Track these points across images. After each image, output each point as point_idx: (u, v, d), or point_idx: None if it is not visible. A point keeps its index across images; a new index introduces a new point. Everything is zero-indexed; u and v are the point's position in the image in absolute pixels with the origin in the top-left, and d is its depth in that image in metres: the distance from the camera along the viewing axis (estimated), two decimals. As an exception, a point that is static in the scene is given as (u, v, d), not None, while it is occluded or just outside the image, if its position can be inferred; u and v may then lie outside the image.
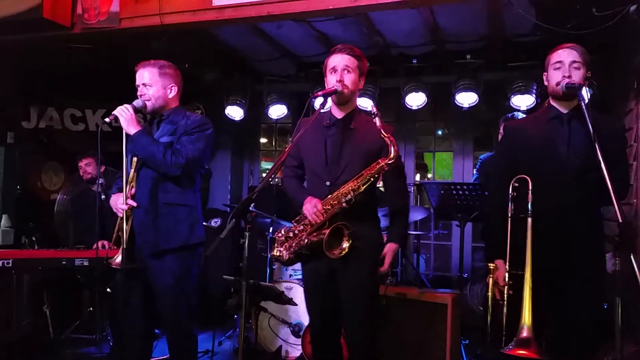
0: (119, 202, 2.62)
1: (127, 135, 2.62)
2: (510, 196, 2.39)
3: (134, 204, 2.63)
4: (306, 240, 2.38)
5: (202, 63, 5.24)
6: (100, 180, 4.06)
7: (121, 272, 2.60)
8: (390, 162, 2.34)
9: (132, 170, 2.67)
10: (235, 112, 5.41)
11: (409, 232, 4.67)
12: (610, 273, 2.19)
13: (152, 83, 2.73)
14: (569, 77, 2.32)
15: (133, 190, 2.66)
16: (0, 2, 3.82)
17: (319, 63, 5.09)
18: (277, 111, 5.43)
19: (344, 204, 2.30)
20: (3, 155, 5.63)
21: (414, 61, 4.79)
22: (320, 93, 2.42)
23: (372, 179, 2.36)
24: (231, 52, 5.06)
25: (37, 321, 4.05)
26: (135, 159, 2.68)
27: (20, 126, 5.44)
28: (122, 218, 2.61)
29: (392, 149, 2.34)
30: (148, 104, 2.73)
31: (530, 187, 2.31)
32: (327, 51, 4.83)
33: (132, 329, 2.78)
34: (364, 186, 2.33)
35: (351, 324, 2.47)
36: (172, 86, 2.79)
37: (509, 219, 2.37)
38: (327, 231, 2.28)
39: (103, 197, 4.00)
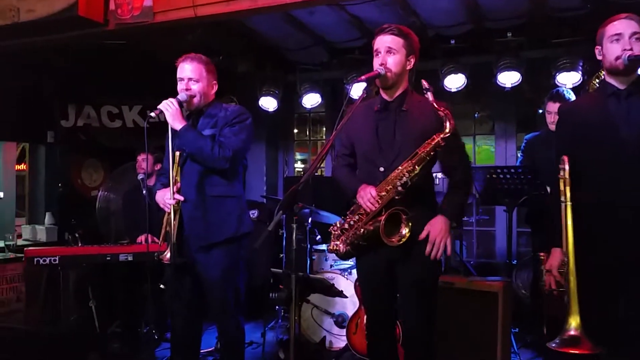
0: (166, 197, 2.62)
1: (173, 130, 2.60)
2: (561, 179, 2.23)
3: (182, 198, 2.63)
4: (362, 230, 2.27)
5: (235, 55, 5.20)
6: (140, 176, 4.09)
7: (171, 267, 2.59)
8: (446, 136, 2.21)
9: (176, 165, 2.66)
10: (269, 103, 5.36)
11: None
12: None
13: (200, 79, 2.71)
14: (631, 49, 2.16)
15: (178, 185, 2.65)
16: (37, 3, 3.86)
17: (352, 49, 5.05)
18: (311, 100, 5.36)
19: (400, 188, 2.18)
20: (44, 155, 5.76)
21: (452, 42, 4.63)
22: (363, 77, 2.33)
23: (427, 158, 2.22)
24: (263, 42, 5.01)
25: (83, 316, 4.12)
26: (178, 153, 2.67)
27: (60, 125, 5.52)
28: (169, 213, 2.61)
29: (448, 123, 2.21)
30: (194, 100, 2.71)
31: (567, 170, 2.18)
32: (361, 36, 4.84)
33: (182, 323, 2.79)
34: (419, 167, 2.20)
35: (410, 317, 2.38)
36: (214, 83, 2.81)
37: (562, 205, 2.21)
38: (383, 218, 2.18)
39: (145, 192, 4.03)
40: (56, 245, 4.77)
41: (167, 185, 2.69)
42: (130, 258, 3.64)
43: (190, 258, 2.70)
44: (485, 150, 5.98)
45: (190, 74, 2.70)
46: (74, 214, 5.37)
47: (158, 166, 4.22)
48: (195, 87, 2.70)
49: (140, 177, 4.08)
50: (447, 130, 2.21)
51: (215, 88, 2.82)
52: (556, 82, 4.31)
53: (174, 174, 2.63)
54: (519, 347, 3.75)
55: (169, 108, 2.59)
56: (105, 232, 4.94)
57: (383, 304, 2.44)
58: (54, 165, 5.71)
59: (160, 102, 2.66)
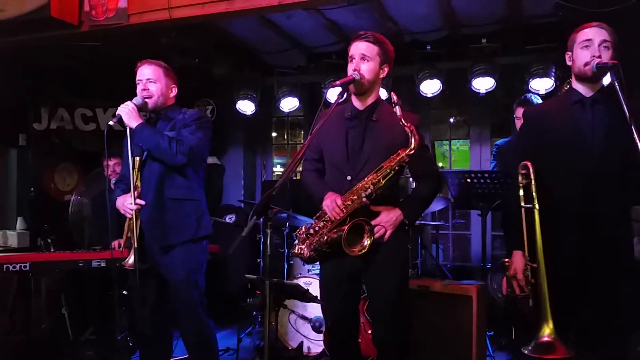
0: (127, 203, 2.64)
1: (131, 131, 2.64)
2: (520, 185, 2.27)
3: (143, 203, 2.65)
4: (326, 237, 2.29)
5: (211, 58, 5.16)
6: (114, 179, 4.02)
7: (135, 272, 2.59)
8: (410, 152, 2.22)
9: (136, 170, 2.68)
10: (246, 107, 5.34)
11: (421, 217, 4.51)
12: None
13: (157, 80, 2.78)
14: (599, 57, 2.20)
15: (139, 190, 2.67)
16: (8, 3, 3.78)
17: (330, 53, 5.06)
18: (289, 104, 5.35)
19: (364, 199, 2.21)
20: (16, 158, 5.63)
21: (428, 47, 4.68)
22: (338, 82, 2.33)
23: (392, 172, 2.25)
24: (241, 46, 4.99)
25: (55, 323, 4.04)
26: (137, 158, 2.69)
27: (32, 128, 5.41)
28: (131, 219, 2.64)
29: (413, 139, 2.22)
30: (150, 101, 2.75)
31: (532, 175, 2.22)
32: (338, 40, 4.85)
33: (150, 329, 2.78)
34: (385, 180, 2.23)
35: (380, 325, 2.38)
36: (173, 87, 2.86)
37: (522, 209, 2.25)
38: (346, 227, 2.19)
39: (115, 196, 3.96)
40: (28, 251, 4.66)
41: (126, 191, 2.72)
42: (103, 264, 3.58)
43: (152, 261, 2.72)
44: (462, 152, 6.06)
45: (149, 75, 2.76)
46: (46, 219, 5.25)
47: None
48: (153, 88, 2.76)
49: (113, 181, 4.02)
50: (412, 147, 2.22)
51: (175, 92, 2.87)
52: (529, 87, 4.38)
53: (134, 179, 2.65)
54: (494, 350, 3.78)
55: (124, 108, 2.63)
56: (78, 238, 4.84)
57: (344, 308, 2.42)
58: (26, 168, 5.59)
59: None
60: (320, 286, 2.54)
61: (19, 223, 5.25)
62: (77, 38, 4.12)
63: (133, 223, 2.61)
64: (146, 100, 2.73)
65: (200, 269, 2.78)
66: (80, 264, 3.58)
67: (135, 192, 2.62)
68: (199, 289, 2.75)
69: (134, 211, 2.61)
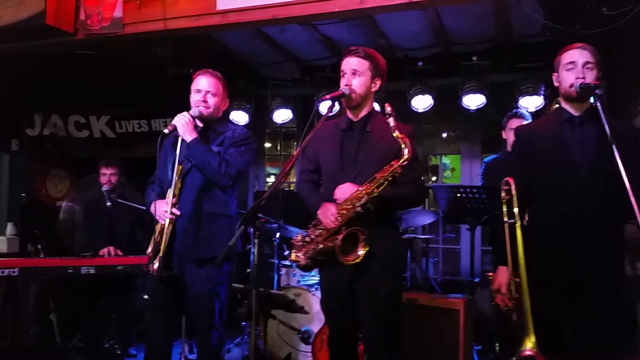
0: (162, 209, 2.65)
1: (182, 141, 2.66)
2: (503, 200, 2.33)
3: (179, 214, 2.66)
4: (321, 245, 2.32)
5: (205, 68, 5.20)
6: (105, 188, 4.03)
7: (156, 278, 2.59)
8: (404, 163, 2.24)
9: (177, 177, 2.67)
10: (240, 117, 5.38)
11: (411, 231, 4.54)
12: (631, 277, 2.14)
13: (216, 93, 2.80)
14: (583, 77, 2.26)
15: (175, 199, 2.67)
16: (4, 10, 3.81)
17: (323, 67, 5.12)
18: (282, 116, 5.40)
19: (358, 209, 2.23)
20: (8, 163, 5.64)
21: (420, 64, 4.75)
22: (328, 96, 2.38)
23: (385, 182, 2.26)
24: (235, 57, 5.04)
25: (43, 330, 4.02)
26: (180, 166, 2.69)
27: (25, 133, 5.42)
28: (162, 225, 2.64)
29: (406, 150, 2.24)
30: (205, 111, 2.77)
31: (514, 191, 2.28)
32: (332, 55, 4.91)
33: (160, 334, 2.78)
34: (379, 190, 2.24)
35: (370, 336, 2.39)
36: (227, 99, 2.91)
37: (505, 225, 2.31)
38: (340, 237, 2.22)
39: (109, 204, 3.98)
40: (18, 257, 4.64)
41: (161, 195, 2.74)
42: (92, 271, 3.57)
43: (178, 270, 2.71)
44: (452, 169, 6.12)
45: (209, 87, 2.78)
46: (37, 224, 5.24)
47: (123, 178, 4.18)
48: (212, 101, 2.78)
49: (104, 189, 4.03)
50: (406, 157, 2.24)
51: (227, 104, 2.92)
52: (519, 105, 4.45)
53: (174, 188, 2.66)
54: (480, 364, 3.80)
55: (181, 120, 2.66)
56: (68, 244, 4.84)
57: (344, 319, 2.44)
58: (18, 174, 5.60)
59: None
60: (322, 297, 2.58)
61: (9, 228, 5.22)
62: (72, 46, 4.15)
63: (165, 230, 2.61)
64: (202, 111, 2.75)
65: (224, 281, 2.80)
66: (70, 270, 3.57)
67: (173, 200, 2.64)
68: (221, 301, 2.77)
69: (167, 219, 2.62)
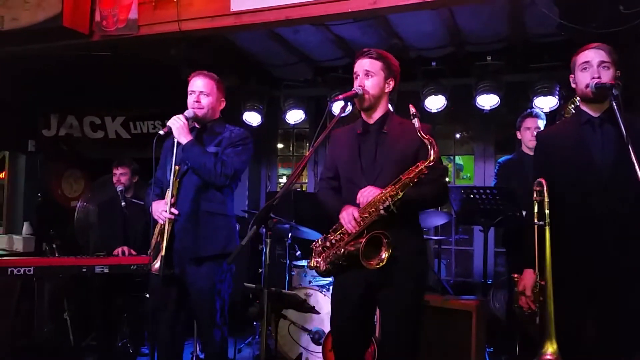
0: (161, 209, 2.69)
1: (177, 144, 2.69)
2: (535, 201, 2.30)
3: (177, 213, 2.71)
4: (343, 250, 2.26)
5: (219, 69, 5.22)
6: (120, 188, 4.07)
7: (159, 277, 2.63)
8: (430, 164, 2.19)
9: (174, 178, 2.72)
10: (252, 118, 5.39)
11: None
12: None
13: (210, 93, 2.83)
14: (599, 77, 2.24)
15: (173, 199, 2.71)
16: (21, 12, 3.86)
17: (336, 67, 5.12)
18: (295, 116, 5.41)
19: (382, 212, 2.17)
20: (24, 163, 5.72)
21: (433, 64, 4.72)
22: (341, 97, 2.36)
23: (410, 184, 2.20)
24: (248, 58, 5.06)
25: (57, 328, 4.06)
26: (177, 167, 2.73)
27: (41, 134, 5.49)
28: (162, 225, 2.69)
29: (432, 150, 2.19)
30: (199, 112, 2.80)
31: (546, 193, 2.26)
32: (344, 55, 4.91)
33: (168, 332, 2.82)
34: (402, 192, 2.18)
35: (391, 342, 2.34)
36: (222, 100, 2.93)
37: (535, 227, 2.29)
38: (364, 240, 2.16)
39: (123, 204, 4.02)
40: (33, 256, 4.70)
41: (160, 196, 2.80)
42: (106, 270, 3.59)
43: (178, 269, 2.76)
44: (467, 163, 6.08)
45: (203, 87, 2.81)
46: (52, 224, 5.32)
47: (136, 179, 4.22)
48: (205, 101, 2.81)
49: (119, 189, 4.07)
50: (432, 159, 2.19)
51: (223, 105, 2.93)
52: (534, 105, 4.40)
53: (172, 188, 2.70)
54: (493, 367, 3.77)
55: (176, 123, 2.70)
56: (83, 244, 4.89)
57: (354, 325, 2.39)
58: (34, 174, 5.68)
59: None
60: (333, 299, 2.52)
61: (25, 228, 5.31)
62: (88, 47, 4.19)
63: (165, 230, 2.66)
64: (196, 112, 2.78)
65: (225, 279, 2.82)
66: (84, 270, 3.59)
67: (171, 200, 2.68)
68: (222, 299, 2.81)
69: (167, 219, 2.66)
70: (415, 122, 2.25)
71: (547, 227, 2.24)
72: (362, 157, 2.39)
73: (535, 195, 2.31)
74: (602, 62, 2.25)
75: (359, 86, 2.37)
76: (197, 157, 2.69)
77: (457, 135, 5.91)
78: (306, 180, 6.37)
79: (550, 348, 2.12)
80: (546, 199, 2.26)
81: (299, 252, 4.58)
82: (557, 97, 4.35)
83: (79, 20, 3.87)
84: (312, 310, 3.26)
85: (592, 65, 2.25)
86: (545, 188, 2.27)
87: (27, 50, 4.17)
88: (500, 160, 4.14)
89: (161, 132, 2.70)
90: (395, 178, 2.22)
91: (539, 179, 2.32)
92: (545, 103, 4.40)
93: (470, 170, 5.85)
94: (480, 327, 3.25)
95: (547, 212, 2.25)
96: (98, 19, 3.90)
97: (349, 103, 2.41)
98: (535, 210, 2.29)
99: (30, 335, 3.99)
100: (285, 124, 5.77)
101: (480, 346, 3.27)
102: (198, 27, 3.68)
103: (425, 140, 2.22)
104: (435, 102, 4.73)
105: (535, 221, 2.29)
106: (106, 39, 3.93)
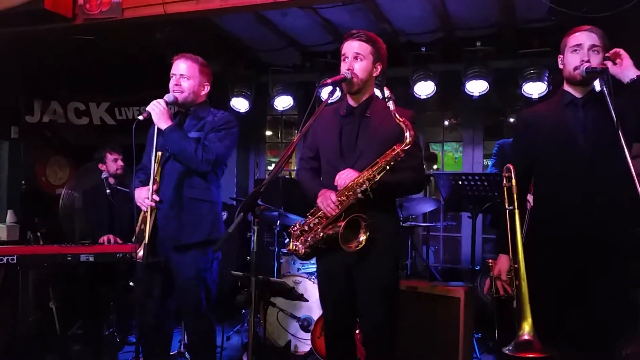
0: (143, 196, 2.64)
1: (158, 129, 2.63)
2: (504, 187, 2.33)
3: (158, 199, 2.65)
4: (322, 233, 2.28)
5: (206, 54, 5.14)
6: (104, 175, 4.01)
7: (143, 265, 2.59)
8: (406, 147, 2.19)
9: (156, 164, 2.65)
10: (240, 104, 5.33)
11: (412, 219, 4.51)
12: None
13: (191, 77, 2.75)
14: (588, 61, 2.22)
15: (156, 186, 2.65)
16: (1, -6, 3.76)
17: (325, 52, 5.06)
18: (283, 102, 5.34)
19: (359, 195, 2.19)
20: (7, 150, 5.61)
21: (423, 49, 4.69)
22: (329, 81, 2.33)
23: (387, 167, 2.21)
24: (235, 42, 4.99)
25: (43, 317, 4.01)
26: (159, 153, 2.67)
27: (24, 120, 5.38)
28: (145, 212, 2.64)
29: (408, 133, 2.20)
30: (180, 96, 2.73)
31: (514, 176, 2.30)
32: (333, 40, 4.85)
33: (153, 320, 2.78)
34: (380, 175, 2.20)
35: (369, 322, 2.37)
36: (206, 84, 2.84)
37: (507, 212, 2.32)
38: (343, 224, 2.18)
39: (108, 191, 3.96)
40: (17, 244, 4.63)
41: (145, 183, 2.72)
42: (91, 259, 3.55)
43: (163, 257, 2.72)
44: (448, 157, 6.07)
45: (183, 70, 2.73)
46: (37, 212, 5.23)
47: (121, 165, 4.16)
48: (186, 85, 2.73)
49: (104, 175, 4.00)
50: (408, 141, 2.20)
51: (207, 89, 2.85)
52: (523, 91, 4.40)
53: (154, 174, 2.64)
54: (481, 352, 3.80)
55: (155, 108, 2.62)
56: (68, 232, 4.83)
57: (341, 307, 2.42)
58: (18, 161, 5.57)
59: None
60: (318, 281, 2.56)
61: (9, 216, 5.21)
62: (71, 31, 4.10)
63: (148, 217, 2.61)
64: (176, 96, 2.71)
65: (210, 267, 2.78)
66: (69, 258, 3.56)
67: (154, 187, 2.62)
68: (208, 287, 2.77)
69: (149, 206, 2.61)
70: (390, 104, 2.24)
71: (516, 211, 2.27)
72: (342, 139, 2.38)
73: (504, 181, 2.33)
74: (593, 45, 2.23)
75: (348, 70, 2.33)
76: (177, 143, 2.63)
77: (446, 123, 5.89)
78: (294, 167, 6.34)
79: (527, 327, 2.13)
80: (514, 185, 2.29)
81: (287, 240, 4.55)
82: (546, 82, 4.34)
83: (61, 3, 3.79)
84: (301, 297, 3.25)
85: (582, 48, 2.23)
86: (513, 173, 2.31)
87: (8, 35, 4.06)
88: (498, 141, 4.17)
89: (140, 117, 2.62)
90: (373, 162, 2.23)
91: (507, 165, 2.34)
92: (534, 89, 4.39)
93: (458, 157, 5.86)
94: (468, 313, 3.25)
95: (514, 196, 2.29)
96: (81, 2, 3.82)
97: (337, 88, 2.38)
98: (505, 195, 2.32)
99: (15, 324, 3.94)
100: (273, 110, 5.71)
101: (468, 332, 3.28)
102: (183, 10, 3.62)
103: (401, 123, 2.22)
104: (424, 88, 4.70)
105: (506, 206, 2.31)
106: (89, 23, 3.84)
